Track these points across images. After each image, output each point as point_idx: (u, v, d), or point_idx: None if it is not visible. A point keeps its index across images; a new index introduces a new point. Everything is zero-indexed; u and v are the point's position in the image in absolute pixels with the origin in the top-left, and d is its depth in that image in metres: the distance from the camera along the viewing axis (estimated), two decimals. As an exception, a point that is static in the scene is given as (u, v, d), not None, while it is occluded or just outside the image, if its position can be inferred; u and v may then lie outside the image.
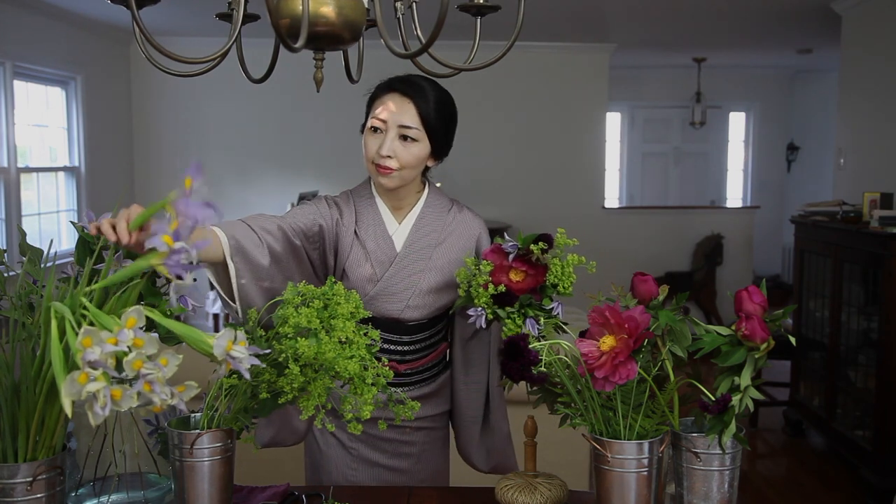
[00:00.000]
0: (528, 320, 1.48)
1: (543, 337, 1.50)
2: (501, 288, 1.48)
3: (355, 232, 1.74)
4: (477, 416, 1.88)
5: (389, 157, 1.67)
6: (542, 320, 1.50)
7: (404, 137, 1.67)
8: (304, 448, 1.94)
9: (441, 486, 1.91)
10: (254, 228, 1.59)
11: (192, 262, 1.04)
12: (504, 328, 1.51)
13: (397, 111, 1.67)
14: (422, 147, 1.70)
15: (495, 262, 1.51)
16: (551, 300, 1.51)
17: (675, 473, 1.30)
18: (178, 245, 1.01)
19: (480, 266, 1.51)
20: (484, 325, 1.52)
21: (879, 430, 3.72)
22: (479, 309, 1.51)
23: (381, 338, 1.69)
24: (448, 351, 1.90)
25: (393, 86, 1.70)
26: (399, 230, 1.77)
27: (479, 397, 1.87)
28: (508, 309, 1.49)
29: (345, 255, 1.74)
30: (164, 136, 6.98)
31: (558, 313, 1.51)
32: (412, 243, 1.76)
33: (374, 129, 1.69)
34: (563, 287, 1.50)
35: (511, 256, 1.50)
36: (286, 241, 1.63)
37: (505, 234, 1.52)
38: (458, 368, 1.86)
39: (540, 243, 1.46)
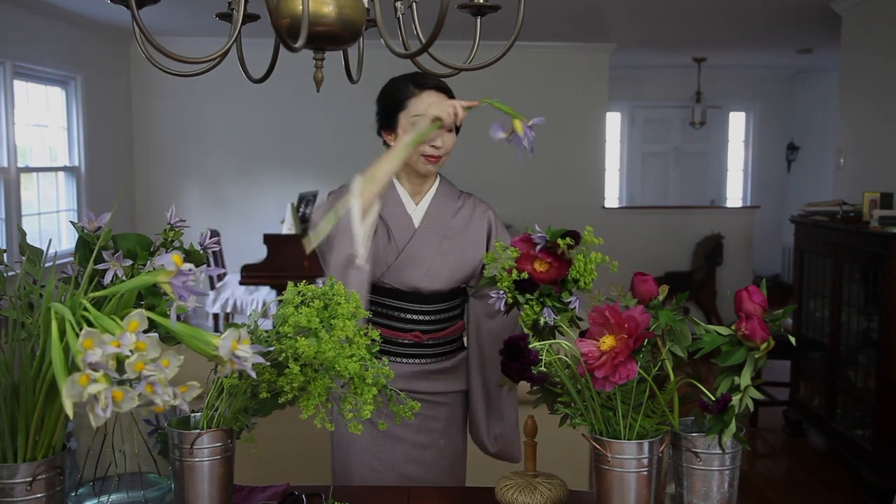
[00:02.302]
0: (545, 309, 1.52)
1: (557, 328, 1.52)
2: (524, 275, 1.52)
3: (380, 214, 1.88)
4: (486, 398, 2.00)
5: (439, 146, 1.86)
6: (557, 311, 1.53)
7: (446, 130, 1.84)
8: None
9: (460, 468, 2.05)
10: None
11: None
12: (521, 314, 1.54)
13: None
14: (454, 133, 1.90)
15: (522, 250, 1.55)
16: (570, 294, 1.54)
17: (675, 473, 1.30)
18: (185, 267, 1.03)
19: (508, 251, 1.56)
20: (503, 308, 1.56)
21: (879, 430, 3.72)
22: (502, 292, 1.54)
23: (406, 308, 1.93)
24: (465, 335, 2.05)
25: (426, 83, 1.88)
26: (417, 210, 1.96)
27: (491, 379, 1.98)
28: (528, 296, 1.52)
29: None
30: (164, 136, 6.98)
31: (575, 307, 1.55)
32: (429, 220, 1.95)
33: None
34: (584, 283, 1.54)
35: (538, 247, 1.53)
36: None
37: (536, 225, 1.56)
38: (472, 351, 2.00)
39: (567, 238, 1.51)
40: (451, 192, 2.01)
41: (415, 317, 1.94)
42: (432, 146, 1.86)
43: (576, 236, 1.52)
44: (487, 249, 1.98)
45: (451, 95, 1.90)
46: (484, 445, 2.03)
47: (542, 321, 1.51)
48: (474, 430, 2.04)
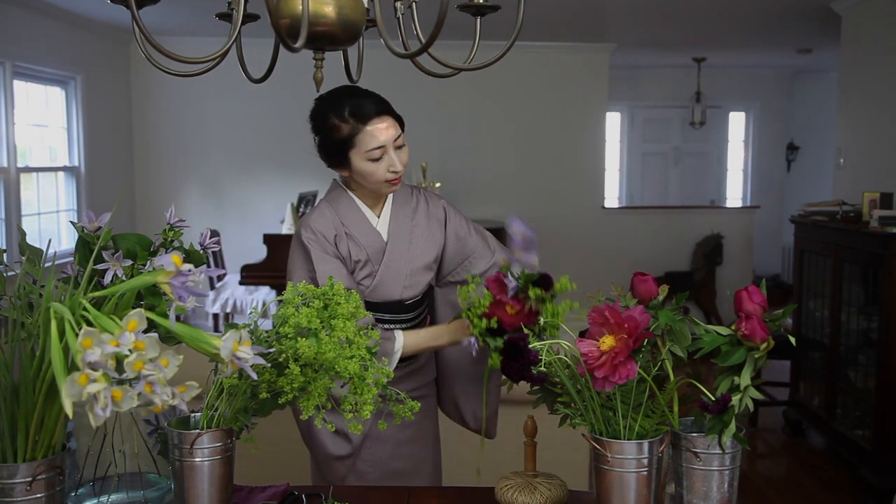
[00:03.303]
0: None
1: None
2: (494, 322, 1.60)
3: (346, 234, 1.90)
4: (462, 380, 2.04)
5: (399, 170, 1.84)
6: None
7: (398, 147, 1.84)
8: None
9: (437, 449, 2.09)
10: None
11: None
12: (490, 360, 1.64)
13: (389, 130, 1.82)
14: (406, 147, 1.87)
15: (495, 292, 1.62)
16: (539, 339, 1.58)
17: (674, 473, 1.30)
18: (185, 267, 1.03)
19: (482, 298, 1.64)
20: (475, 354, 1.67)
21: (879, 430, 3.72)
22: (473, 339, 1.65)
23: (388, 319, 1.93)
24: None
25: (366, 114, 1.80)
26: (380, 223, 1.95)
27: (462, 362, 2.02)
28: (500, 339, 1.60)
29: (347, 257, 1.89)
30: (164, 136, 6.98)
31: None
32: (394, 231, 1.94)
33: (376, 159, 1.82)
34: (551, 332, 1.60)
35: (510, 294, 1.60)
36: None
37: (510, 272, 1.62)
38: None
39: (538, 290, 1.57)
40: (404, 192, 2.00)
41: (397, 326, 1.94)
42: (392, 171, 1.83)
43: (548, 282, 1.57)
44: (445, 238, 1.99)
45: (392, 113, 1.83)
46: (464, 421, 2.06)
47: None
48: (450, 407, 2.07)
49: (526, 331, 1.57)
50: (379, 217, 1.95)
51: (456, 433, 2.24)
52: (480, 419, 2.03)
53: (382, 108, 1.83)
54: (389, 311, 1.93)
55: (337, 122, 1.81)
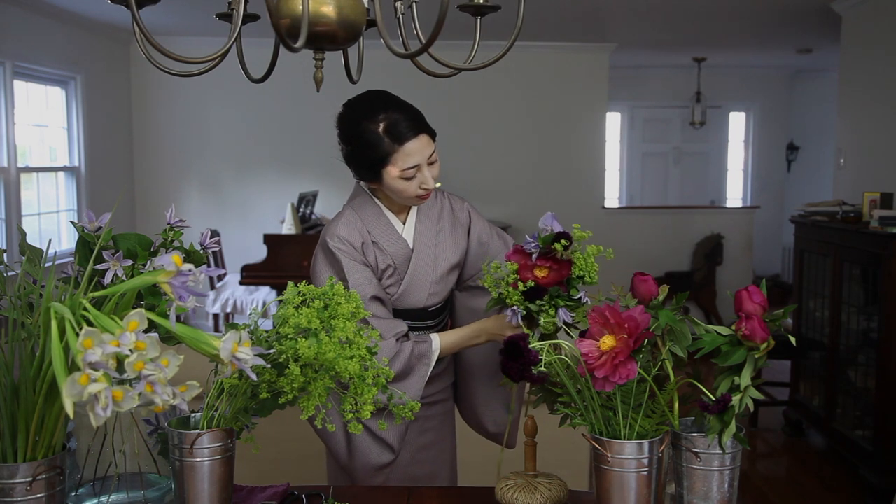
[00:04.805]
0: (560, 310, 1.56)
1: (576, 326, 1.58)
2: (530, 284, 1.56)
3: (372, 241, 1.87)
4: (484, 385, 1.99)
5: (430, 187, 1.81)
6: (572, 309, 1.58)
7: (431, 163, 1.81)
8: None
9: (454, 452, 2.08)
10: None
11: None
12: (541, 323, 1.58)
13: (425, 149, 1.78)
14: (437, 161, 1.83)
15: (519, 262, 1.59)
16: (578, 290, 1.58)
17: (675, 473, 1.30)
18: (185, 267, 1.03)
19: (507, 266, 1.60)
20: (520, 322, 1.60)
21: (879, 430, 3.72)
22: (515, 307, 1.58)
23: (411, 327, 1.90)
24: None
25: (402, 135, 1.75)
26: (406, 230, 1.92)
27: (486, 364, 1.98)
28: (539, 303, 1.57)
29: (374, 265, 1.86)
30: (164, 136, 6.98)
31: (587, 301, 1.58)
32: (419, 238, 1.91)
33: (410, 177, 1.78)
34: (590, 277, 1.57)
35: (534, 256, 1.57)
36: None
37: (526, 236, 1.60)
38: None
39: (562, 241, 1.53)
40: (430, 196, 1.94)
41: (420, 333, 1.92)
42: (424, 188, 1.80)
43: (568, 237, 1.55)
44: (468, 242, 1.96)
45: (427, 129, 1.80)
46: (484, 427, 2.01)
47: (559, 323, 1.56)
48: (469, 413, 2.03)
49: (566, 285, 1.56)
50: (405, 224, 1.92)
51: (457, 434, 2.24)
52: (501, 424, 2.00)
53: (418, 125, 1.78)
54: (412, 318, 1.91)
55: (370, 138, 1.77)
